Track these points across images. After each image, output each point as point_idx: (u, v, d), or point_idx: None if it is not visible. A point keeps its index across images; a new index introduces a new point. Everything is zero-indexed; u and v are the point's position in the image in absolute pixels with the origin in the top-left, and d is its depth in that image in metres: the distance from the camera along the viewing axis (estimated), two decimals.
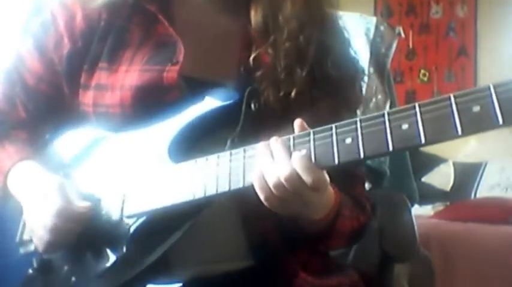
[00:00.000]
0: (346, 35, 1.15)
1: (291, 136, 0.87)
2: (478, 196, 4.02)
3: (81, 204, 1.00)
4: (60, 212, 0.98)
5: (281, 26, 1.05)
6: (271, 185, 0.85)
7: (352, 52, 1.14)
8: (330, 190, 0.97)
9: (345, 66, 1.09)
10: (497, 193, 3.95)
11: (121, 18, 1.10)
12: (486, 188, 4.03)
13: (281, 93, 1.01)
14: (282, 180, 0.84)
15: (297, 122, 0.87)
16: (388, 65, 1.93)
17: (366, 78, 1.18)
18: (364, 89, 1.19)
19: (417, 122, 0.75)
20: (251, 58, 1.04)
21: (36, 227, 1.01)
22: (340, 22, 1.14)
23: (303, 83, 1.02)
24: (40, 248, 1.02)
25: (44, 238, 1.00)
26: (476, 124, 0.72)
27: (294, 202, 0.87)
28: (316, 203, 0.93)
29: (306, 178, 0.83)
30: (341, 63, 1.08)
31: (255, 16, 1.08)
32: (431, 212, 3.67)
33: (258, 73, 1.03)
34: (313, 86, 1.03)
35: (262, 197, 0.87)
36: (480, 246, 2.93)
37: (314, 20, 1.06)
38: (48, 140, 1.18)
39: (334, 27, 1.12)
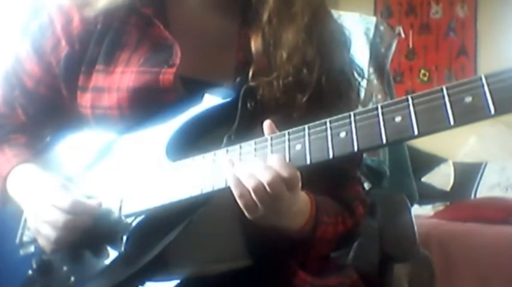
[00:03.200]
0: (345, 40, 1.13)
1: (286, 132, 0.87)
2: (478, 196, 4.02)
3: (91, 200, 1.01)
4: (71, 208, 0.98)
5: (285, 60, 1.03)
6: (250, 189, 0.85)
7: (349, 59, 1.13)
8: (305, 197, 0.98)
9: (340, 78, 1.08)
10: (497, 193, 3.94)
11: (118, 20, 1.10)
12: (486, 188, 4.03)
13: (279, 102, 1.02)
14: (264, 183, 0.84)
15: (266, 124, 0.89)
16: (388, 65, 1.93)
17: (364, 83, 1.17)
18: (363, 91, 1.18)
19: (410, 114, 0.76)
20: (250, 74, 1.03)
21: (42, 226, 1.00)
22: (340, 22, 1.14)
23: (302, 105, 1.02)
24: (47, 248, 1.02)
25: (52, 236, 0.99)
26: (469, 115, 0.72)
27: (271, 206, 0.87)
28: (290, 210, 0.92)
29: (283, 172, 0.84)
30: (336, 76, 1.07)
31: (256, 44, 1.06)
32: (431, 212, 3.67)
33: (258, 88, 1.03)
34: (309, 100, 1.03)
35: (240, 202, 0.87)
36: (480, 246, 2.92)
37: (316, 47, 1.05)
38: (48, 143, 1.18)
39: (333, 43, 1.10)
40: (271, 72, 1.03)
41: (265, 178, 0.84)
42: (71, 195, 1.00)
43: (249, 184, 0.85)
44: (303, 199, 0.97)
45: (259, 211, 0.87)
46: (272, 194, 0.85)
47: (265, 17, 1.06)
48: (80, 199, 1.00)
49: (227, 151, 0.91)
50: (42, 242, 1.02)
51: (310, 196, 1.00)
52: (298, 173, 0.86)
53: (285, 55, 1.04)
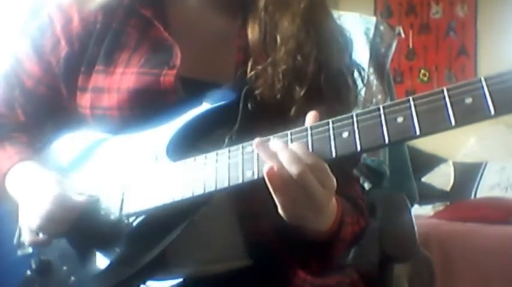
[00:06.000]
0: (345, 41, 1.13)
1: (289, 132, 0.87)
2: (478, 196, 4.02)
3: (79, 195, 1.01)
4: (57, 199, 0.99)
5: (279, 46, 1.04)
6: (282, 182, 0.84)
7: (349, 61, 1.13)
8: (333, 200, 0.96)
9: (339, 78, 1.08)
10: (497, 193, 3.94)
11: (117, 20, 1.11)
12: (486, 188, 4.03)
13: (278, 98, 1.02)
14: (293, 175, 0.83)
15: (311, 114, 0.87)
16: (388, 65, 1.93)
17: (365, 80, 1.16)
18: (363, 90, 1.18)
19: (412, 114, 0.77)
20: (248, 69, 1.04)
21: (27, 215, 1.01)
22: (340, 22, 1.14)
23: (301, 99, 1.02)
24: (27, 238, 1.02)
25: (34, 224, 1.00)
26: (469, 115, 0.74)
27: (304, 199, 0.86)
28: (324, 207, 0.90)
29: (306, 159, 0.83)
30: (335, 75, 1.07)
31: (253, 32, 1.08)
32: (431, 212, 3.67)
33: (256, 80, 1.03)
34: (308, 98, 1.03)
35: (276, 195, 0.86)
36: (480, 246, 2.92)
37: (312, 38, 1.05)
38: (47, 143, 1.18)
39: (331, 40, 1.10)
40: (271, 82, 1.03)
41: (293, 169, 0.83)
42: (60, 188, 1.00)
43: (279, 177, 0.84)
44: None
45: (296, 208, 0.87)
46: (302, 185, 0.84)
47: (261, 4, 1.07)
48: (68, 193, 1.00)
49: (229, 150, 0.91)
50: (24, 233, 1.03)
51: (336, 197, 0.98)
52: (326, 165, 0.85)
53: (279, 41, 1.04)
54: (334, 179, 0.87)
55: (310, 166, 0.83)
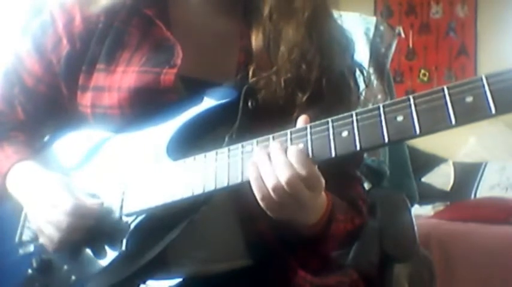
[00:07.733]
0: (347, 43, 1.13)
1: (289, 131, 0.87)
2: (478, 196, 4.02)
3: (92, 201, 1.01)
4: (74, 210, 0.98)
5: (283, 54, 1.04)
6: (269, 187, 0.85)
7: (351, 63, 1.13)
8: (323, 195, 0.97)
9: (341, 81, 1.08)
10: (497, 193, 3.94)
11: (119, 20, 1.10)
12: (486, 188, 4.03)
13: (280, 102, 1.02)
14: (282, 182, 0.84)
15: (302, 119, 0.88)
16: (388, 65, 1.93)
17: (367, 80, 1.16)
18: (363, 91, 1.18)
19: (412, 113, 0.77)
20: (250, 74, 1.04)
21: (45, 226, 1.01)
22: (340, 22, 1.14)
23: (303, 103, 1.02)
24: (50, 247, 1.02)
25: (55, 237, 1.00)
26: (470, 114, 0.73)
27: (291, 204, 0.87)
28: (310, 207, 0.92)
29: (301, 170, 0.84)
30: (337, 78, 1.07)
31: (256, 39, 1.07)
32: (431, 212, 3.67)
33: (257, 85, 1.03)
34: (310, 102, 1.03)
35: (259, 198, 0.87)
36: (480, 246, 2.93)
37: (315, 44, 1.05)
38: (47, 142, 1.18)
39: (333, 43, 1.09)
40: (271, 68, 1.03)
41: (283, 176, 0.84)
42: (73, 196, 1.00)
43: (269, 184, 0.85)
44: (322, 196, 0.97)
45: (282, 211, 0.88)
46: (291, 193, 0.85)
47: (265, 12, 1.06)
48: (81, 201, 1.00)
49: (229, 149, 0.91)
50: (45, 241, 1.03)
51: (326, 192, 0.98)
52: (319, 173, 0.86)
53: (284, 50, 1.04)
54: (324, 181, 0.88)
55: (302, 175, 0.84)
